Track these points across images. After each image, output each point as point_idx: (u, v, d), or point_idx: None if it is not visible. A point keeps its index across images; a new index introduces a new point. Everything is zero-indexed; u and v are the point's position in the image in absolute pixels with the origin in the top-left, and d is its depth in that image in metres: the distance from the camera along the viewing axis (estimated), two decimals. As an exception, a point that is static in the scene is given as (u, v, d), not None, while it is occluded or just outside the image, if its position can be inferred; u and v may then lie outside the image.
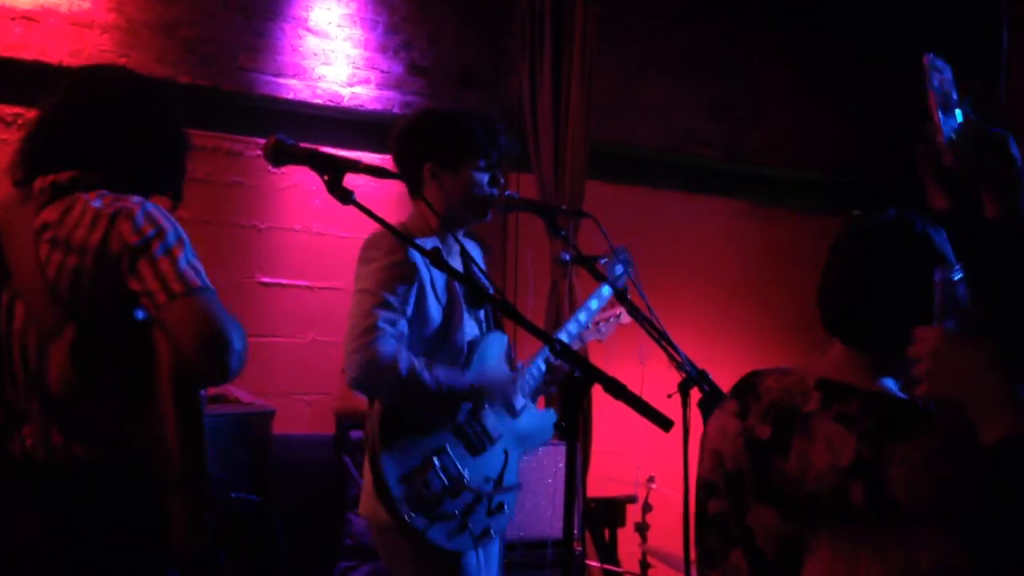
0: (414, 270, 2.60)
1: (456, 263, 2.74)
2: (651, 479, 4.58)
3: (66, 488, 1.90)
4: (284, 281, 4.93)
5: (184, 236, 1.93)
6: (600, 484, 4.81)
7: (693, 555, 1.84)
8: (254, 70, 4.91)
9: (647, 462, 4.59)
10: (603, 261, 3.33)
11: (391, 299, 2.56)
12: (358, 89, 5.14)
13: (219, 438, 3.33)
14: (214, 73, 4.81)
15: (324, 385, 4.75)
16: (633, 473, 4.64)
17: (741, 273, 6.05)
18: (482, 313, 2.84)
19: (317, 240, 4.97)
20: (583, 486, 4.51)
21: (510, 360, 2.91)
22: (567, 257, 3.29)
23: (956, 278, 1.53)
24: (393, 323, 2.55)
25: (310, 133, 4.71)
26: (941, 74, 1.72)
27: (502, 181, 2.80)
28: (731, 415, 1.75)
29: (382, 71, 5.21)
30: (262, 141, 2.05)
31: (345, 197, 1.93)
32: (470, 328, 2.77)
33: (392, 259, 2.58)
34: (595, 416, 4.90)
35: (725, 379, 2.08)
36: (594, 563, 4.56)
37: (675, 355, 2.85)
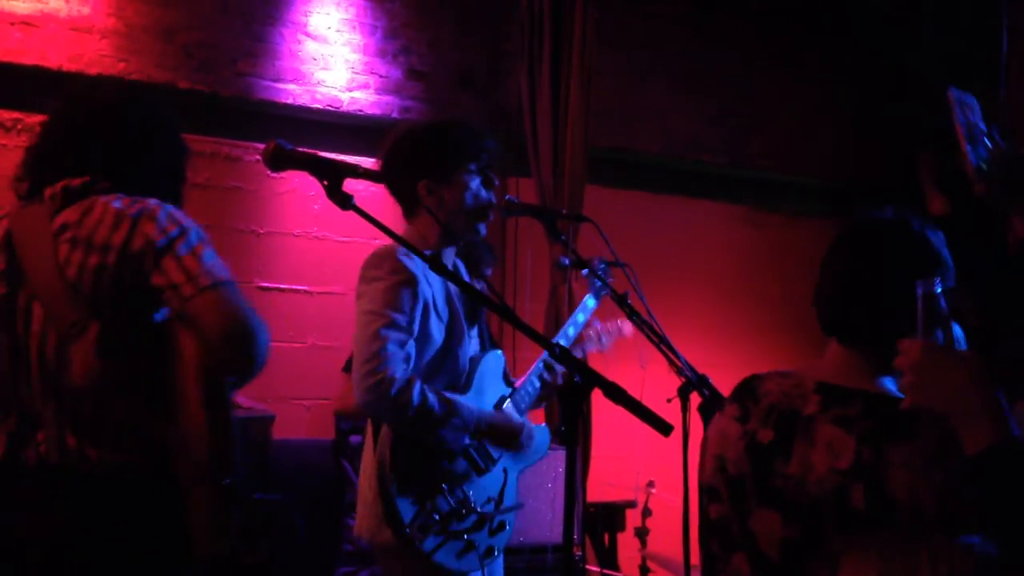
0: (419, 288, 2.59)
1: None
2: (651, 484, 4.58)
3: (82, 492, 1.90)
4: (283, 286, 4.93)
5: (205, 235, 1.97)
6: (600, 489, 4.80)
7: (693, 560, 1.84)
8: (253, 75, 4.91)
9: (647, 467, 4.58)
10: (584, 273, 3.34)
11: (399, 319, 2.53)
12: (357, 94, 5.15)
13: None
14: (213, 78, 4.82)
15: (323, 390, 4.74)
16: (633, 478, 4.63)
17: (741, 278, 6.05)
18: (476, 331, 2.84)
19: (316, 245, 4.97)
20: (583, 491, 4.50)
21: (507, 378, 2.92)
22: (566, 261, 3.30)
23: (938, 290, 1.54)
24: (402, 344, 2.53)
25: (309, 138, 4.71)
26: (967, 107, 1.74)
27: (496, 183, 2.80)
28: (732, 419, 1.75)
29: (381, 76, 5.22)
30: (261, 146, 2.05)
31: (344, 202, 1.93)
32: (470, 346, 2.77)
33: (398, 278, 2.56)
34: (595, 421, 4.89)
35: (725, 383, 2.07)
36: (594, 568, 4.55)
37: (675, 360, 2.84)
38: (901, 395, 1.67)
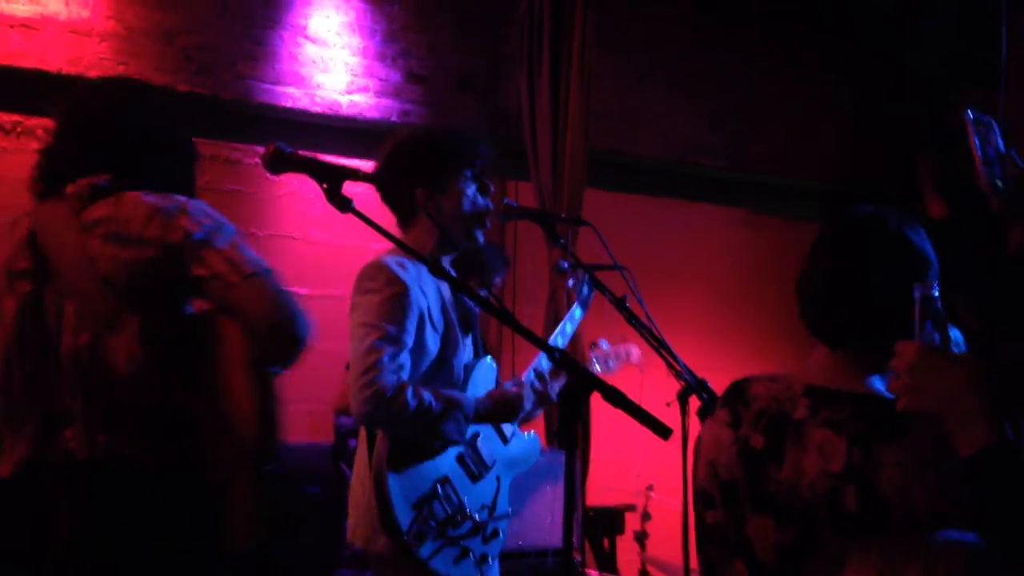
0: (415, 300, 2.59)
1: (444, 287, 2.74)
2: (650, 488, 4.58)
3: (112, 487, 1.89)
4: (282, 289, 4.92)
5: (236, 229, 2.00)
6: (599, 493, 4.80)
7: (692, 563, 1.84)
8: (253, 78, 4.91)
9: (646, 471, 4.58)
10: (571, 283, 3.33)
11: (394, 331, 2.54)
12: (356, 97, 5.15)
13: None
14: (212, 81, 4.82)
15: (323, 393, 4.73)
16: (632, 482, 4.63)
17: (740, 281, 6.05)
18: (470, 339, 2.84)
19: (315, 248, 4.97)
20: (582, 495, 4.50)
21: (499, 386, 2.92)
22: (566, 265, 3.30)
23: (935, 293, 1.55)
24: (396, 356, 2.54)
25: (308, 141, 4.72)
26: (984, 127, 1.74)
27: (492, 189, 2.80)
28: (723, 425, 1.75)
29: (380, 79, 5.22)
30: (260, 149, 2.05)
31: (344, 205, 1.93)
32: (464, 354, 2.78)
33: (393, 290, 2.56)
34: (594, 425, 4.89)
35: (724, 387, 2.07)
36: (593, 572, 4.54)
37: (674, 363, 2.84)
38: (889, 395, 1.68)
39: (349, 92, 5.13)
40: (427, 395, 2.54)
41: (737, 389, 1.77)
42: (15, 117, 4.56)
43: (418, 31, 5.31)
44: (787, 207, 6.32)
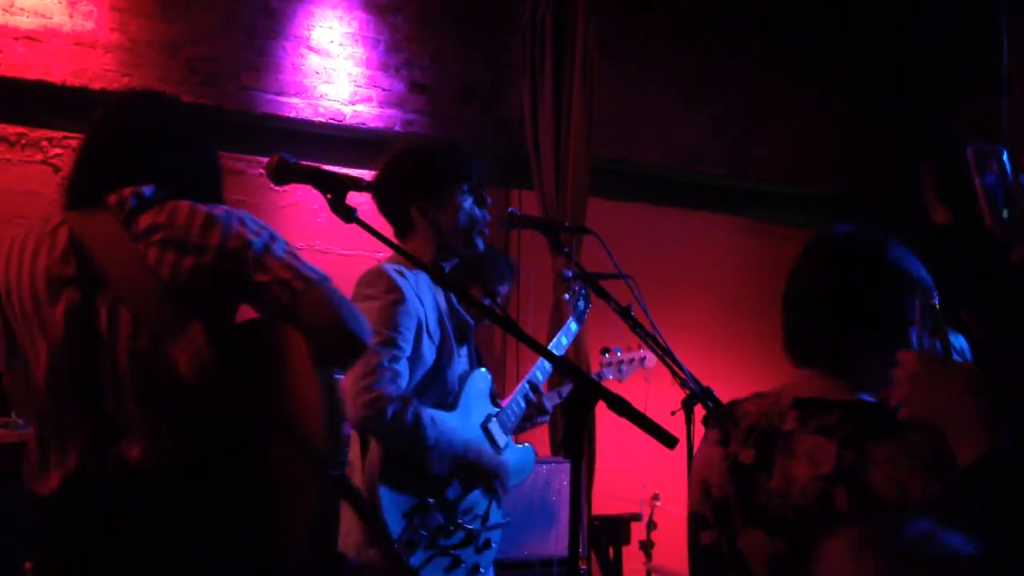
0: (413, 309, 2.60)
1: (441, 297, 2.75)
2: (655, 497, 4.56)
3: (173, 495, 1.88)
4: (286, 299, 4.92)
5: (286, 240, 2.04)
6: (604, 502, 4.79)
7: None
8: (256, 89, 4.93)
9: (651, 480, 4.57)
10: (566, 297, 3.34)
11: (394, 337, 2.55)
12: (360, 107, 5.16)
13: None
14: (216, 92, 4.83)
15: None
16: (637, 491, 4.62)
17: (743, 289, 6.04)
18: (465, 349, 2.85)
19: (320, 258, 4.97)
20: (588, 504, 4.49)
21: (493, 397, 2.93)
22: (570, 274, 3.29)
23: (936, 302, 1.55)
24: (396, 361, 2.54)
25: (312, 151, 4.72)
26: (988, 159, 1.73)
27: (488, 201, 2.82)
28: (713, 444, 1.78)
29: (384, 89, 5.23)
30: (264, 159, 2.06)
31: (348, 215, 1.94)
32: (459, 364, 2.78)
33: (393, 297, 2.58)
34: (599, 434, 4.89)
35: (728, 395, 2.07)
36: (598, 581, 4.53)
37: (679, 372, 2.84)
38: (878, 403, 1.69)
39: (352, 102, 5.14)
40: (425, 419, 2.54)
41: (727, 409, 1.80)
42: (19, 129, 4.57)
43: (421, 41, 5.32)
44: (789, 214, 6.32)
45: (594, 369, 4.11)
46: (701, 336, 5.65)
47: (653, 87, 5.89)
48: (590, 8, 5.09)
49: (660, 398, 3.26)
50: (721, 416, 1.80)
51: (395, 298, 2.58)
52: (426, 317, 2.65)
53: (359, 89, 5.16)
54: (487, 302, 3.70)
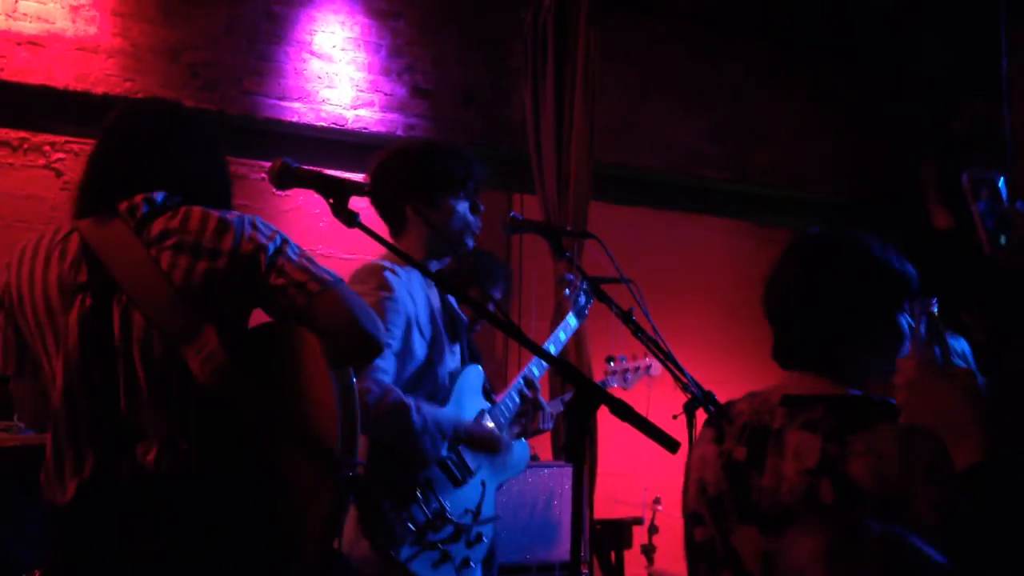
0: (403, 306, 2.62)
1: (434, 295, 2.76)
2: (657, 501, 4.56)
3: (190, 499, 1.88)
4: (288, 303, 4.93)
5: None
6: (606, 506, 4.79)
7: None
8: (258, 93, 4.93)
9: (653, 484, 4.57)
10: (567, 292, 3.34)
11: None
12: (362, 112, 5.16)
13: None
14: (218, 97, 4.84)
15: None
16: (639, 495, 4.62)
17: (744, 293, 6.00)
18: (458, 347, 2.86)
19: (322, 262, 4.95)
20: (590, 508, 4.49)
21: (487, 393, 2.93)
22: (571, 278, 3.30)
23: (935, 308, 1.56)
24: (382, 357, 2.55)
25: (314, 155, 4.73)
26: (984, 186, 1.74)
27: (482, 208, 2.83)
28: (709, 442, 1.81)
29: (385, 94, 5.23)
30: (266, 164, 2.06)
31: (350, 220, 1.94)
32: (451, 361, 2.79)
33: (383, 294, 2.60)
34: (601, 438, 4.88)
35: (729, 399, 2.08)
36: (600, 585, 4.53)
37: (680, 376, 2.84)
38: (864, 396, 1.70)
39: (354, 107, 5.15)
40: (410, 406, 2.55)
41: (722, 409, 1.84)
42: (21, 133, 4.58)
43: (423, 46, 5.33)
44: (790, 218, 6.32)
45: (598, 377, 4.11)
46: (702, 340, 5.65)
47: (654, 91, 5.90)
48: (591, 13, 5.10)
49: (662, 402, 3.26)
50: (716, 415, 1.82)
51: (386, 294, 2.60)
52: (417, 314, 2.67)
53: (361, 94, 5.17)
54: (491, 307, 3.70)
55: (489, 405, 2.91)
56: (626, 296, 3.09)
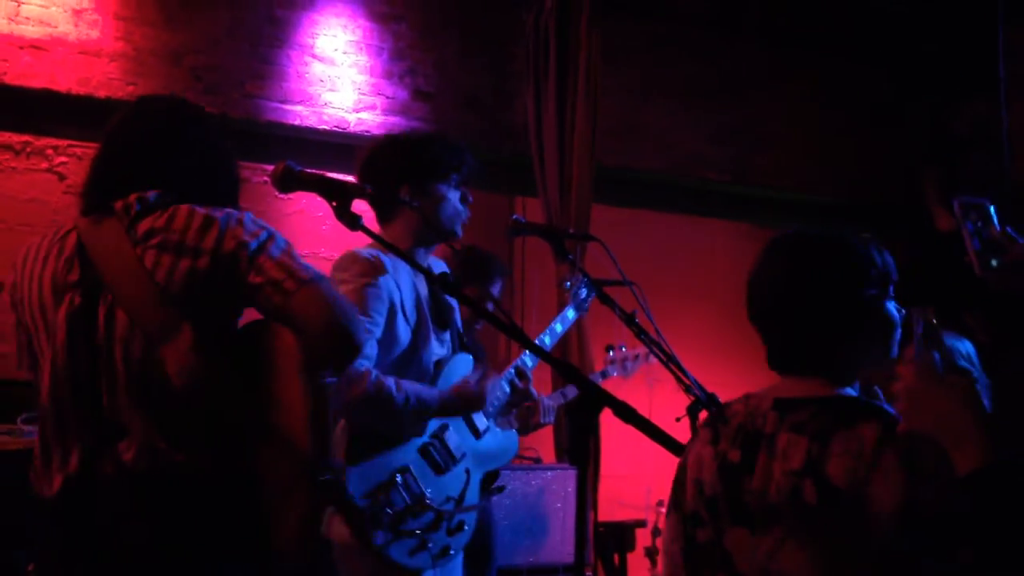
0: (386, 292, 2.63)
1: (421, 283, 2.77)
2: (660, 503, 4.57)
3: (167, 497, 1.89)
4: (291, 306, 4.93)
5: (287, 240, 2.02)
6: (609, 508, 4.79)
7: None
8: (260, 97, 4.94)
9: (656, 486, 4.57)
10: (567, 285, 3.34)
11: (361, 319, 2.57)
12: (364, 115, 5.17)
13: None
14: (221, 100, 4.84)
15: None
16: (642, 497, 4.62)
17: (746, 295, 6.03)
18: (448, 335, 2.86)
19: (325, 265, 4.93)
20: (594, 510, 4.49)
21: (463, 379, 2.92)
22: (568, 284, 3.30)
23: (933, 315, 1.57)
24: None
25: (316, 159, 4.73)
26: (975, 211, 1.75)
27: (470, 199, 2.84)
28: (705, 443, 1.81)
29: (388, 97, 5.24)
30: (269, 167, 2.06)
31: (354, 223, 1.95)
32: (436, 349, 2.80)
33: (364, 281, 2.61)
34: (604, 440, 4.88)
35: (731, 400, 2.08)
36: (603, 588, 4.53)
37: (683, 378, 2.84)
38: (854, 397, 1.70)
39: (356, 110, 5.15)
40: (390, 384, 2.55)
41: (718, 411, 1.84)
42: (24, 137, 4.59)
43: (424, 49, 5.33)
44: (792, 221, 6.32)
45: (599, 367, 4.11)
46: (705, 342, 5.65)
47: (655, 94, 5.90)
48: (593, 16, 5.10)
49: (664, 404, 3.25)
50: (712, 417, 1.84)
51: (367, 280, 2.61)
52: (402, 300, 2.68)
53: (363, 97, 5.18)
54: (490, 306, 3.70)
55: (479, 385, 2.90)
56: (628, 298, 3.10)
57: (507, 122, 5.47)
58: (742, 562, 1.68)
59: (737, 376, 5.27)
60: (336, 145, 5.07)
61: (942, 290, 1.81)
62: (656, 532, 4.54)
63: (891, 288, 1.73)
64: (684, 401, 2.92)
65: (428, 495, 2.65)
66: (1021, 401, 1.65)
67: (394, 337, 2.65)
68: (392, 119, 5.22)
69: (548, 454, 4.85)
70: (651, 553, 4.51)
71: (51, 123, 4.61)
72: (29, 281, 2.00)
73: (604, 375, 3.99)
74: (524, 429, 4.08)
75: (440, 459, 2.73)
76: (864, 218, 6.21)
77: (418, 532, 2.61)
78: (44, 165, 4.63)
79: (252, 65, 4.93)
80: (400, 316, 2.66)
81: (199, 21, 4.84)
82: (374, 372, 2.55)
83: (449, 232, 2.80)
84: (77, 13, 4.62)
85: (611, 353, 3.86)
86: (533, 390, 3.08)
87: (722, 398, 2.84)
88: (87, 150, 4.50)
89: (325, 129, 5.06)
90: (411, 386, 2.60)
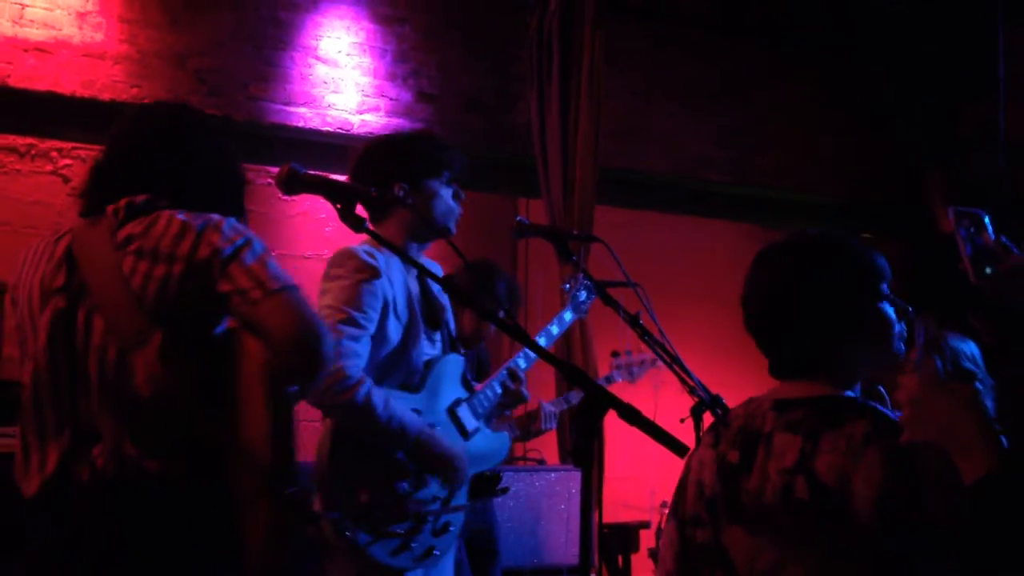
0: (381, 288, 2.64)
1: (413, 282, 2.78)
2: (664, 505, 4.56)
3: (138, 505, 1.89)
4: (295, 308, 4.93)
5: (266, 247, 1.99)
6: (614, 510, 4.79)
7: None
8: (264, 99, 4.95)
9: (660, 488, 4.57)
10: (567, 287, 3.34)
11: (357, 316, 2.59)
12: (367, 117, 5.17)
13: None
14: (225, 102, 4.85)
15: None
16: (647, 499, 4.62)
17: (751, 296, 6.03)
18: (439, 335, 2.86)
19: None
20: (598, 512, 4.50)
21: (466, 382, 2.93)
22: (567, 287, 3.31)
23: (935, 322, 1.57)
24: (357, 340, 2.58)
25: (320, 161, 4.73)
26: (970, 221, 1.75)
27: (463, 196, 2.85)
28: (707, 447, 1.83)
29: (391, 99, 5.25)
30: (273, 169, 2.07)
31: (358, 225, 1.95)
32: (427, 348, 2.80)
33: (359, 277, 2.62)
34: (608, 442, 4.88)
35: (736, 402, 2.08)
36: (607, 590, 4.53)
37: (687, 379, 2.84)
38: (850, 397, 1.71)
39: (360, 112, 5.16)
40: (378, 400, 2.55)
41: (721, 415, 1.89)
42: (29, 139, 4.60)
43: (428, 51, 5.34)
44: (795, 222, 6.31)
45: (604, 372, 4.11)
46: (709, 343, 5.65)
47: (659, 96, 5.90)
48: (596, 17, 5.11)
49: (669, 406, 3.26)
50: (716, 421, 1.87)
51: (362, 277, 2.62)
52: (395, 298, 2.68)
53: (367, 99, 5.18)
54: (500, 314, 3.70)
55: (467, 394, 2.90)
56: (633, 300, 3.10)
57: (510, 124, 5.48)
58: (738, 561, 1.69)
59: (738, 376, 5.27)
60: (340, 147, 5.05)
61: (946, 292, 1.81)
62: (660, 534, 4.54)
63: (885, 287, 1.73)
64: (689, 402, 2.92)
65: (414, 496, 2.65)
66: (1020, 404, 1.65)
67: (385, 335, 2.66)
68: (396, 121, 5.23)
69: (552, 456, 4.85)
70: (655, 554, 4.51)
71: (55, 126, 4.62)
72: (24, 284, 2.01)
73: (609, 380, 3.98)
74: (526, 435, 4.08)
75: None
76: (864, 218, 6.21)
77: (401, 533, 2.60)
78: (48, 167, 4.64)
79: (256, 67, 4.94)
80: (392, 314, 2.67)
81: (203, 24, 4.85)
82: (368, 382, 2.55)
83: (443, 228, 2.80)
84: (81, 16, 4.63)
85: (617, 359, 3.86)
86: (526, 392, 3.07)
87: (726, 399, 2.85)
88: (91, 153, 4.50)
89: (329, 131, 5.06)
90: (399, 409, 2.60)
